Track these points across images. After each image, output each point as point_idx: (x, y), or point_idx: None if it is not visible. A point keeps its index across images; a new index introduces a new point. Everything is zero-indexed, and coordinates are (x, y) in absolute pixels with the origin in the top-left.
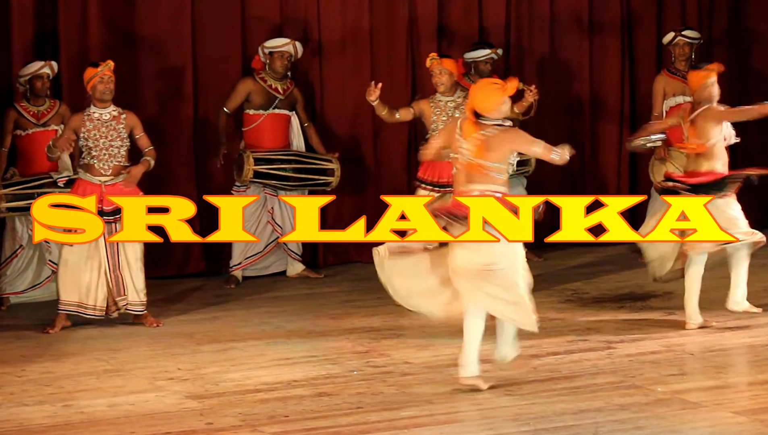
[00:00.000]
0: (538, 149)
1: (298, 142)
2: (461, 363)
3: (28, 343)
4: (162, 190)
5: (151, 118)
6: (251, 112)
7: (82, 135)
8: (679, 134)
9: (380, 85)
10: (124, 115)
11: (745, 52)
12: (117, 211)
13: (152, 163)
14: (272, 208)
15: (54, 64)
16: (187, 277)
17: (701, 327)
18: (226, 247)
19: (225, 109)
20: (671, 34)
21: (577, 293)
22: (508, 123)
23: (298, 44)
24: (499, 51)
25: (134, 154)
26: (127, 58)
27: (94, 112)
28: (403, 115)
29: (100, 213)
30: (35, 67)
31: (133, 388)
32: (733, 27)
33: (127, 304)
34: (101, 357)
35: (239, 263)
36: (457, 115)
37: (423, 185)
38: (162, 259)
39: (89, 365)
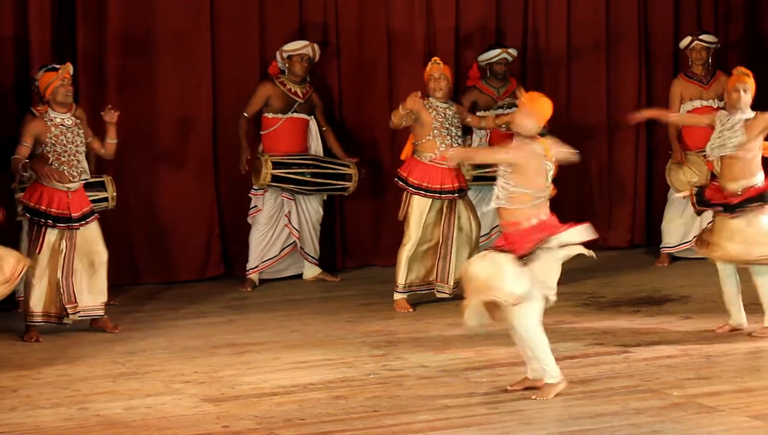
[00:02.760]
0: None
1: (316, 147)
2: None
3: (44, 345)
4: (181, 192)
5: (169, 120)
6: (270, 115)
7: (47, 140)
8: (699, 139)
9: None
10: (79, 121)
11: (761, 57)
12: (85, 216)
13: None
14: (289, 211)
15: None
16: (207, 281)
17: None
18: (243, 250)
19: (245, 114)
20: (688, 39)
21: (593, 297)
22: None
23: (316, 46)
24: (513, 51)
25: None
26: (146, 61)
27: (55, 117)
28: (408, 120)
29: (69, 220)
30: None
31: (149, 391)
32: (749, 31)
33: (79, 311)
34: (117, 360)
35: (256, 266)
36: (455, 123)
37: (421, 192)
38: (182, 263)
39: (105, 368)
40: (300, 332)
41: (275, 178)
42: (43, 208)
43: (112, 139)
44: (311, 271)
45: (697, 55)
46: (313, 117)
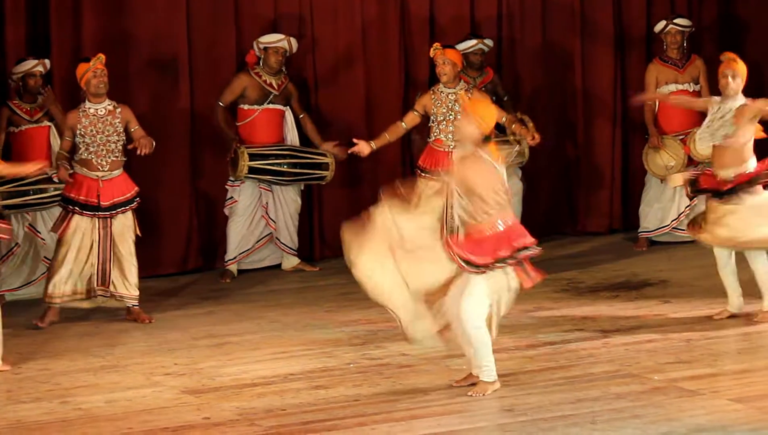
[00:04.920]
0: None
1: (292, 137)
2: None
3: (24, 340)
4: (158, 185)
5: (145, 113)
6: (246, 107)
7: (78, 131)
8: (675, 123)
9: (372, 144)
10: (119, 109)
11: (735, 41)
12: (114, 206)
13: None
14: (267, 203)
15: (47, 62)
16: (186, 273)
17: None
18: (221, 242)
19: (220, 102)
20: (663, 23)
21: (572, 283)
22: None
23: (293, 40)
24: (488, 42)
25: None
26: (121, 54)
27: (89, 108)
28: (410, 122)
29: (98, 208)
30: (29, 65)
31: (129, 384)
32: (722, 15)
33: (109, 294)
34: (98, 353)
35: (234, 258)
36: (457, 108)
37: (423, 174)
38: (161, 257)
39: (86, 362)
40: (279, 322)
41: (252, 170)
42: (73, 195)
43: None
44: (289, 261)
45: (671, 39)
46: (288, 107)
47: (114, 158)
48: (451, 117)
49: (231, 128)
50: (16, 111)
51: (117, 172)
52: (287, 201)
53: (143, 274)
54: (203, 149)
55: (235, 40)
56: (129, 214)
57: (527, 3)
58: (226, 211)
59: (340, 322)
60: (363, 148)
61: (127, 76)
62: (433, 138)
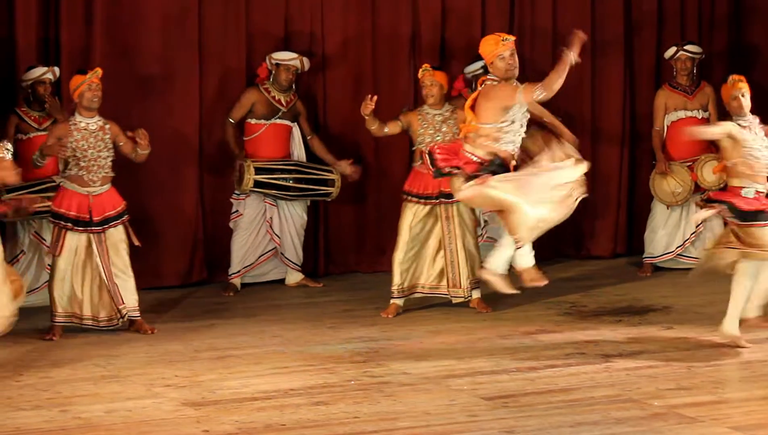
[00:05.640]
0: None
1: (299, 153)
2: None
3: (25, 347)
4: (164, 197)
5: (154, 125)
6: (253, 121)
7: (69, 145)
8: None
9: (375, 98)
10: (108, 125)
11: (745, 67)
12: (106, 220)
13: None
14: (271, 218)
15: (56, 69)
16: (190, 286)
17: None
18: (226, 256)
19: (230, 119)
20: (673, 49)
21: (575, 306)
22: None
23: (305, 60)
24: None
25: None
26: (132, 66)
27: (80, 122)
28: (392, 128)
29: (89, 223)
30: (38, 72)
31: (130, 395)
32: (732, 42)
33: (127, 311)
34: (99, 363)
35: (238, 271)
36: (444, 129)
37: (410, 198)
38: (166, 269)
39: (87, 371)
40: (281, 337)
41: (258, 184)
42: (63, 210)
43: (144, 151)
44: (293, 276)
45: (682, 65)
46: (296, 124)
47: (104, 174)
48: (438, 138)
49: (238, 144)
50: (24, 118)
51: (106, 187)
52: (293, 216)
53: (148, 285)
54: (211, 162)
55: (246, 56)
56: (120, 228)
57: (537, 25)
58: (231, 224)
59: (342, 338)
60: (367, 106)
61: (136, 87)
62: (421, 162)
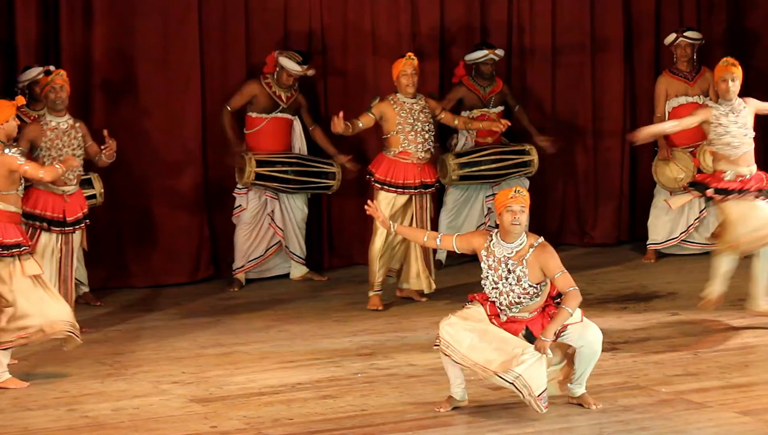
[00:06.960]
0: None
1: (300, 146)
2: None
3: (32, 347)
4: (169, 194)
5: (156, 122)
6: (254, 115)
7: (43, 144)
8: (685, 136)
9: (342, 114)
10: (78, 124)
11: (744, 53)
12: (79, 220)
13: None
14: (273, 211)
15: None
16: (197, 283)
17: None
18: (231, 251)
19: (227, 106)
20: (673, 35)
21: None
22: None
23: (310, 71)
24: (499, 51)
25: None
26: (133, 63)
27: (51, 121)
28: (366, 121)
29: (63, 223)
30: (34, 72)
31: (137, 392)
32: (732, 27)
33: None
34: (105, 361)
35: (242, 266)
36: (422, 118)
37: (385, 187)
38: (172, 266)
39: (93, 369)
40: (287, 332)
41: (259, 177)
42: (38, 211)
43: (108, 160)
44: (298, 270)
45: (682, 51)
46: (297, 117)
47: (78, 172)
48: (418, 127)
49: (235, 133)
50: (23, 118)
51: (77, 187)
52: (294, 209)
53: (154, 283)
54: (215, 158)
55: (245, 53)
56: (80, 231)
57: (537, 13)
58: (234, 219)
59: (348, 331)
60: (337, 124)
61: (139, 84)
62: (400, 149)
